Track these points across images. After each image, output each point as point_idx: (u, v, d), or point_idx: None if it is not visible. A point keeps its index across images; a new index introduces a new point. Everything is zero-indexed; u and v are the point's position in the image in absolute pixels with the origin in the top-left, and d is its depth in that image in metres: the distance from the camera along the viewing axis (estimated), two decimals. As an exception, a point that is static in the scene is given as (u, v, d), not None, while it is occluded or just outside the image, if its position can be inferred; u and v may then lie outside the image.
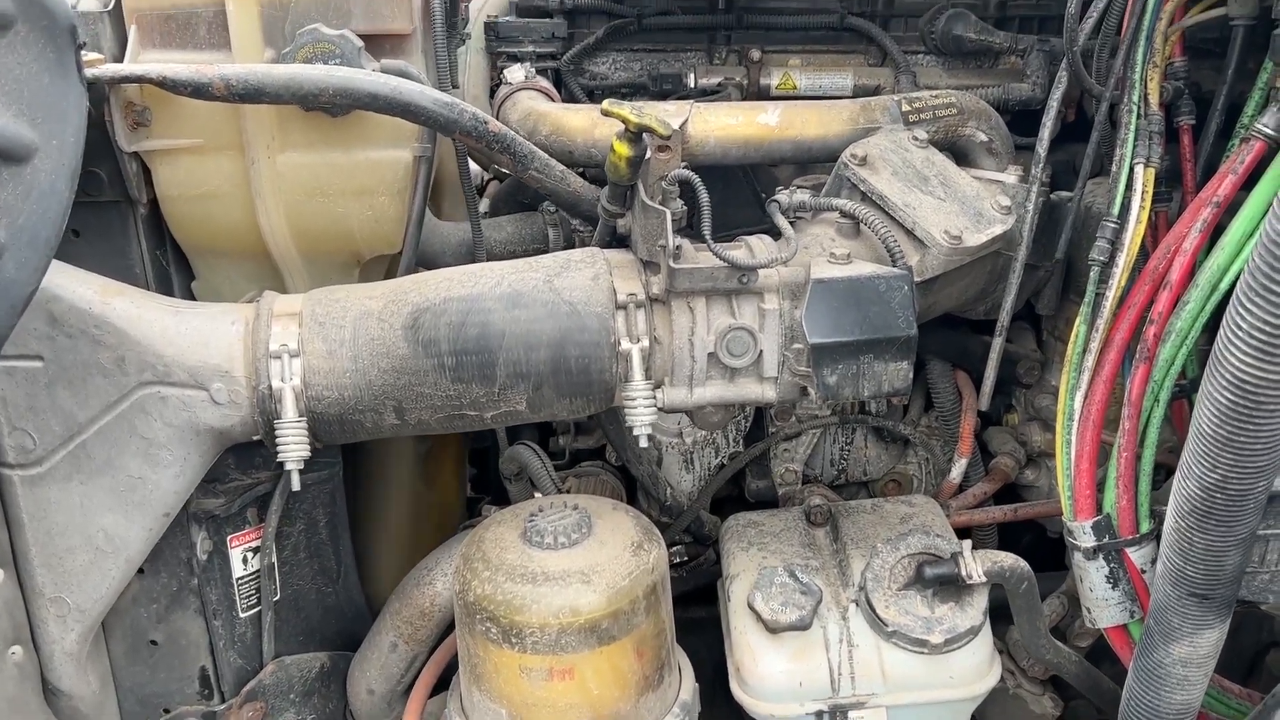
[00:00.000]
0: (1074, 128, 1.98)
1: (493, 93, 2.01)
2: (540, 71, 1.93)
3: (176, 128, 1.41)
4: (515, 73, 1.74)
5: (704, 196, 1.27)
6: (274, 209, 1.46)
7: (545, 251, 1.75)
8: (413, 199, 1.49)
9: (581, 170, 1.58)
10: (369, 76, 1.33)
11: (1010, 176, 1.60)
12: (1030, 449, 1.94)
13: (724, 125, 1.54)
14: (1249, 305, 0.94)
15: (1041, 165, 1.48)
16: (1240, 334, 0.96)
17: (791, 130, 1.54)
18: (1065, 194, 1.70)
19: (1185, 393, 1.47)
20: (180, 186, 1.45)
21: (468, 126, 1.38)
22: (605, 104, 1.24)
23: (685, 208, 1.31)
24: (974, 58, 1.97)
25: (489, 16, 1.92)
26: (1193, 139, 1.54)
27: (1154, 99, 1.42)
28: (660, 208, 1.27)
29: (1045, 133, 1.47)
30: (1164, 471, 1.48)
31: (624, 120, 1.23)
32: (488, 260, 1.64)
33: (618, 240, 1.46)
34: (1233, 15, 1.47)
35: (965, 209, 1.45)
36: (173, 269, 1.57)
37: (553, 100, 1.71)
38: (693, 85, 1.97)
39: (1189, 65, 1.52)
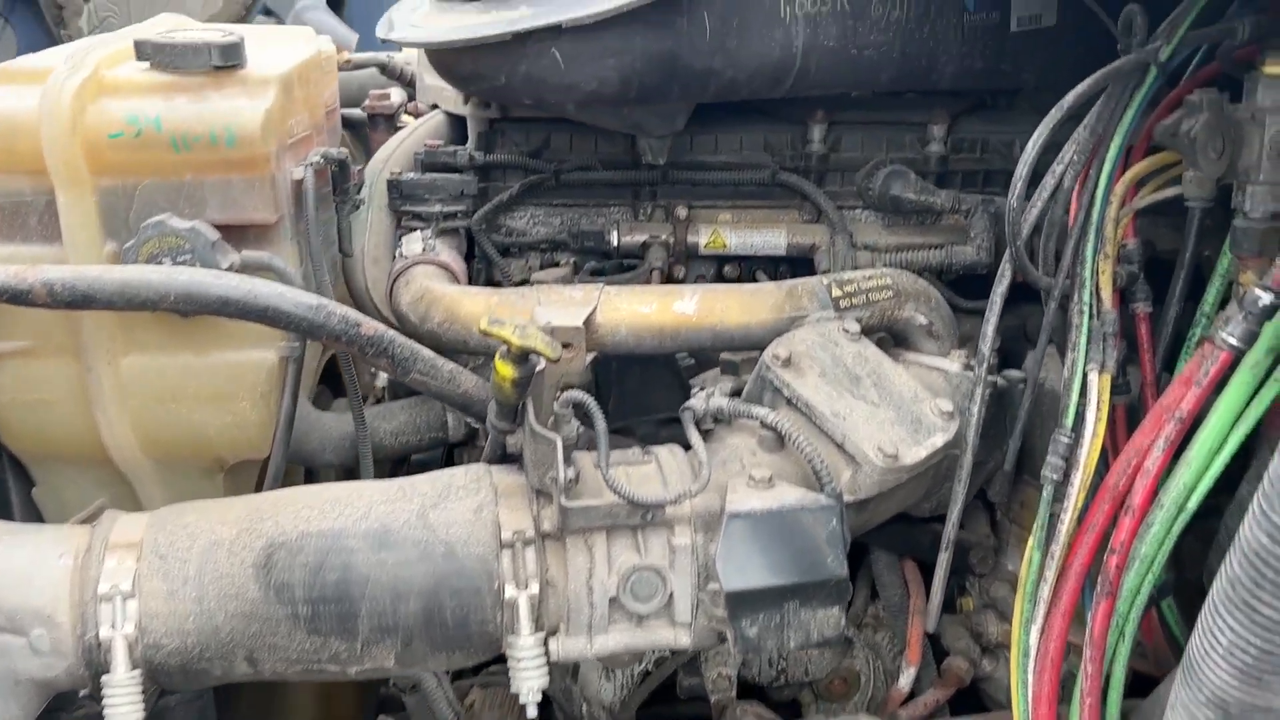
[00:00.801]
0: (1022, 286, 1.85)
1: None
2: (448, 231, 1.78)
3: (2, 329, 1.23)
4: (412, 243, 1.58)
5: (600, 424, 1.10)
6: (117, 418, 1.28)
7: (443, 442, 1.58)
8: (280, 401, 1.31)
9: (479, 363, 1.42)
10: (219, 279, 1.16)
11: (954, 364, 1.46)
12: (986, 640, 1.77)
13: (636, 313, 1.39)
14: (1228, 620, 0.79)
15: (985, 365, 1.33)
16: (1219, 650, 0.80)
17: (711, 319, 1.39)
18: (1014, 373, 1.55)
19: (1154, 601, 1.32)
20: (8, 392, 1.27)
21: (336, 330, 1.20)
22: (482, 324, 1.08)
23: (581, 430, 1.15)
24: (914, 214, 1.85)
25: (392, 173, 1.76)
26: (1150, 328, 1.41)
27: (1107, 295, 1.29)
28: (551, 435, 1.10)
29: (990, 329, 1.33)
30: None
31: (506, 342, 1.06)
32: (373, 457, 1.47)
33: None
34: (1189, 197, 1.34)
35: (902, 415, 1.29)
36: (9, 475, 1.37)
37: (453, 273, 1.54)
38: (615, 243, 1.82)
39: (1142, 245, 1.40)
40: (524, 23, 1.37)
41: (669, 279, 1.81)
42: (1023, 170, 1.24)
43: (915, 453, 1.25)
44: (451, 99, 1.87)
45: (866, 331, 1.43)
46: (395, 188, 1.75)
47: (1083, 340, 1.26)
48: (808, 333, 1.35)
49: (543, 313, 1.33)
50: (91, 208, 1.20)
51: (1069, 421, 1.25)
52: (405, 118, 2.23)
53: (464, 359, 1.50)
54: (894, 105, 1.82)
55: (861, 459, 1.22)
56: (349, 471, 1.48)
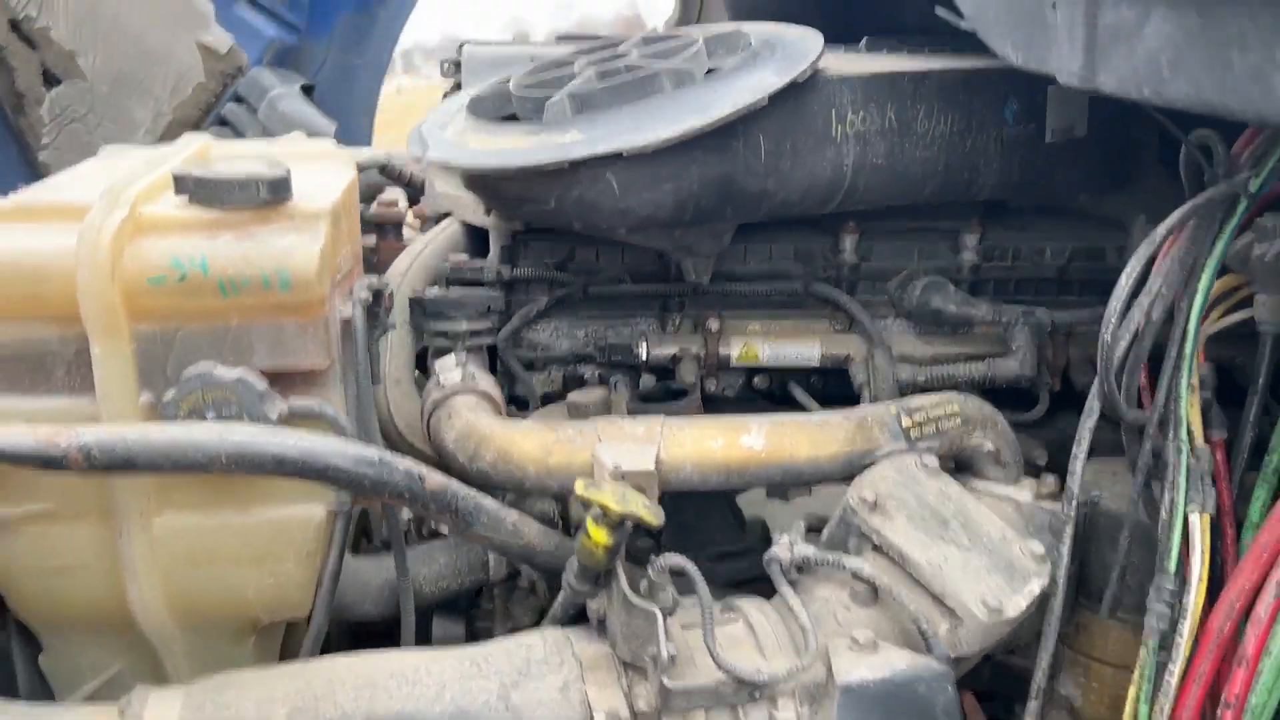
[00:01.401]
0: (1061, 397, 1.82)
1: (420, 366, 1.77)
2: (474, 349, 1.69)
3: (19, 491, 1.11)
4: (449, 371, 1.49)
5: (706, 596, 1.02)
6: (147, 582, 1.16)
7: (485, 582, 1.47)
8: (325, 559, 1.20)
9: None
10: (273, 438, 1.05)
11: (1024, 493, 1.40)
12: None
13: (702, 449, 1.31)
14: None
15: (1074, 504, 1.27)
16: None
17: (780, 454, 1.32)
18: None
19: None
20: (22, 560, 1.14)
21: (400, 488, 1.11)
22: (579, 487, 0.99)
23: (677, 600, 1.06)
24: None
25: (414, 290, 1.68)
26: (1225, 454, 1.37)
27: (1198, 433, 1.24)
28: (650, 607, 1.01)
29: (1078, 466, 1.27)
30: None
31: (605, 509, 0.98)
32: (415, 605, 1.36)
33: (582, 611, 1.19)
34: (1261, 320, 1.32)
35: (995, 561, 1.22)
36: (14, 641, 1.24)
37: (495, 403, 1.45)
38: (644, 357, 1.75)
39: (1213, 369, 1.36)
40: (580, 150, 1.30)
41: (702, 393, 1.74)
42: (1116, 305, 1.20)
43: (1016, 603, 1.18)
44: (469, 209, 1.79)
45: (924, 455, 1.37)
46: (418, 306, 1.66)
47: (1182, 480, 1.21)
48: (888, 470, 1.29)
49: (608, 453, 1.25)
50: (128, 357, 1.09)
51: (1171, 566, 1.20)
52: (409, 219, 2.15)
53: (500, 493, 1.41)
54: (925, 213, 1.79)
55: (964, 613, 1.15)
56: (388, 621, 1.37)
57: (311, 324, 1.13)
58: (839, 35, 2.27)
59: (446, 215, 2.02)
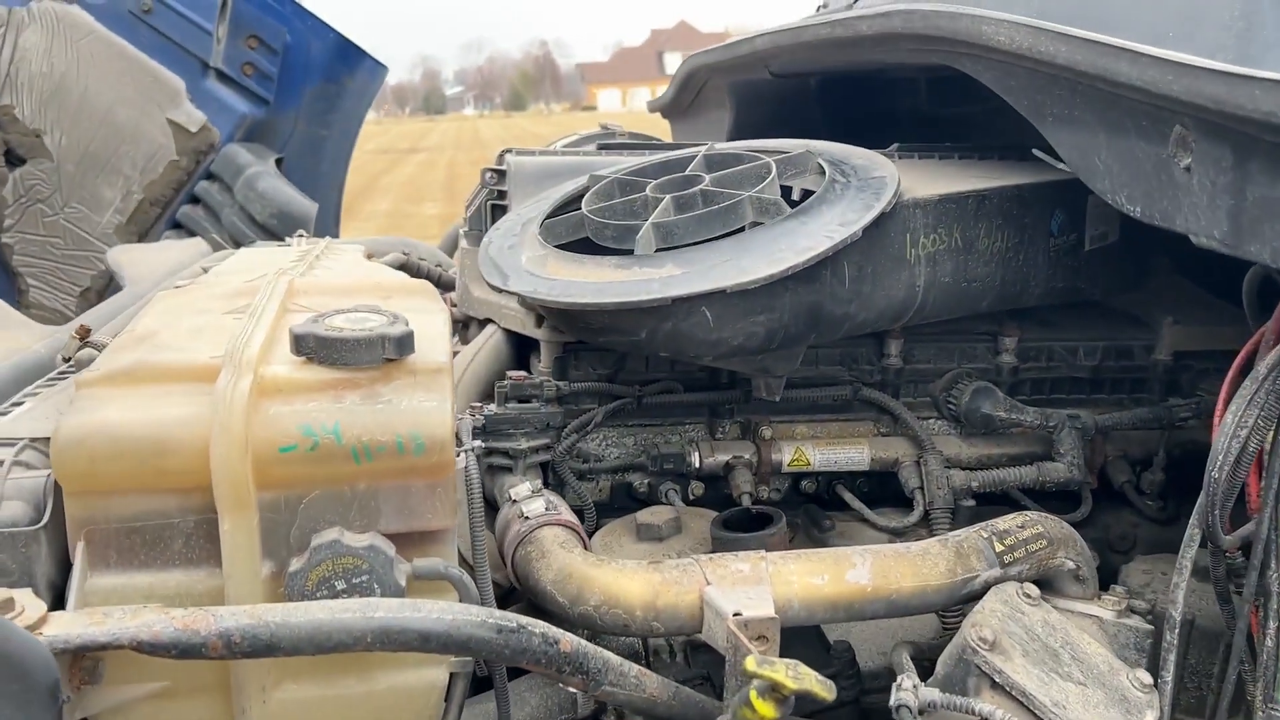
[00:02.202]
0: (1100, 495, 1.87)
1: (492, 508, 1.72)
2: (532, 466, 1.66)
3: (136, 672, 1.05)
4: (529, 500, 1.45)
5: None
6: (265, 759, 1.10)
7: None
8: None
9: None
10: (417, 613, 1.01)
11: (1106, 611, 1.42)
12: None
13: (809, 586, 1.30)
14: None
15: (1176, 630, 1.30)
16: None
17: (886, 588, 1.32)
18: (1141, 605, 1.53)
19: None
20: (134, 741, 1.08)
21: (538, 653, 1.08)
22: (750, 664, 0.97)
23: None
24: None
25: (471, 408, 1.64)
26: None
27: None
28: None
29: (1179, 595, 1.30)
30: None
31: (779, 685, 0.97)
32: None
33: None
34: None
35: (1110, 694, 1.24)
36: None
37: (580, 535, 1.43)
38: (697, 465, 1.75)
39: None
40: (682, 287, 1.30)
41: (755, 499, 1.74)
42: (1224, 443, 1.23)
43: (1138, 739, 1.20)
44: (515, 319, 1.77)
45: (1023, 583, 1.39)
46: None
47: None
48: (995, 604, 1.30)
49: (723, 599, 1.23)
50: (254, 528, 1.05)
51: (1280, 693, 1.23)
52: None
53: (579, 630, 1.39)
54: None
55: (1093, 753, 1.17)
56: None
57: (440, 484, 1.10)
58: (838, 122, 2.32)
59: (475, 318, 2.01)
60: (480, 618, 1.04)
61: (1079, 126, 1.18)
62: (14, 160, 3.10)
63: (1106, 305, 1.94)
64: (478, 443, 1.21)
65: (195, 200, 3.29)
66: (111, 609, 0.98)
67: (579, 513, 1.70)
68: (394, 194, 17.62)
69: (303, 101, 3.70)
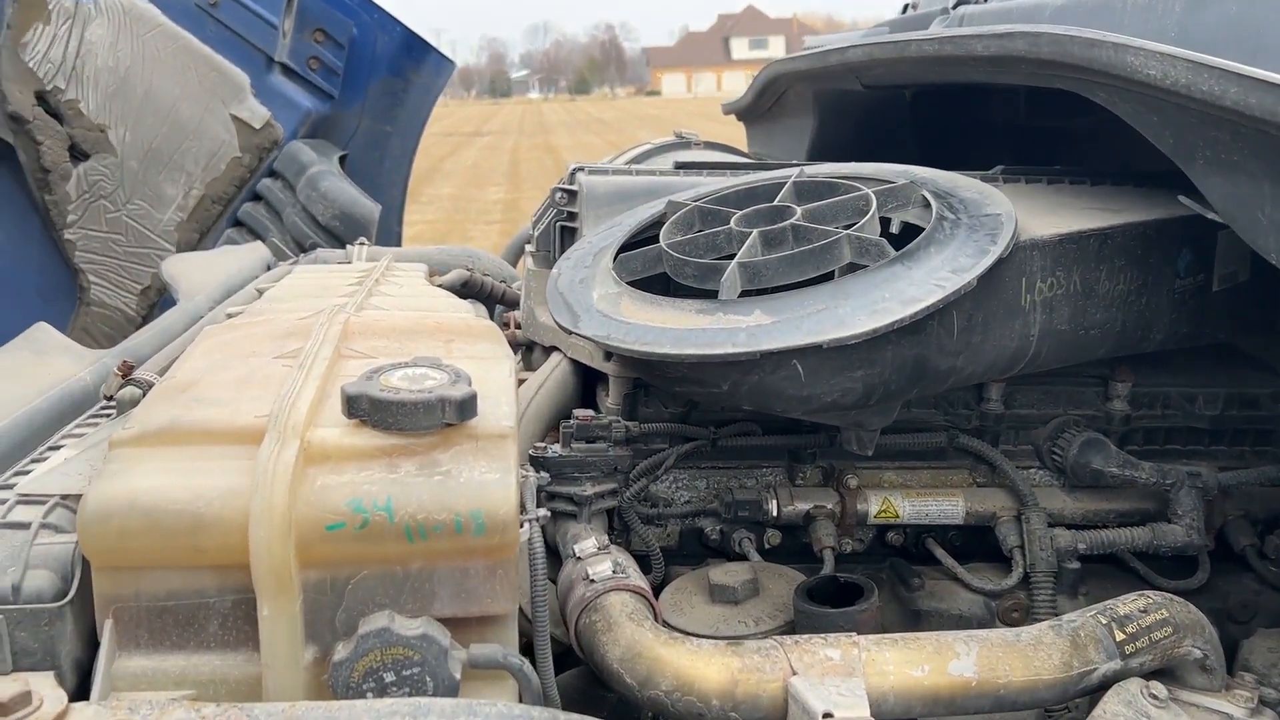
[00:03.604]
0: (1217, 557, 1.70)
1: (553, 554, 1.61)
2: (598, 513, 1.55)
3: (165, 765, 0.95)
4: (596, 559, 1.34)
5: None
6: None
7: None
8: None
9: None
10: (474, 718, 0.90)
11: (1238, 708, 1.27)
12: None
13: (908, 678, 1.17)
14: None
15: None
16: None
17: (993, 683, 1.18)
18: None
19: None
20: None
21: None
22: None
23: None
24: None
25: (534, 449, 1.53)
26: None
27: None
28: None
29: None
30: None
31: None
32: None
33: None
34: None
35: (1249, 815, 1.09)
36: None
37: (650, 603, 1.31)
38: (775, 513, 1.62)
39: None
40: (773, 340, 1.17)
41: (837, 553, 1.61)
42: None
43: None
44: (584, 351, 1.66)
45: (1147, 676, 1.24)
46: (540, 464, 1.52)
47: None
48: (1118, 707, 1.16)
49: (813, 695, 1.10)
50: (295, 612, 0.94)
51: None
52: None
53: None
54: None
55: None
56: None
57: (501, 565, 0.99)
58: (930, 134, 2.15)
59: (541, 345, 1.89)
60: (543, 721, 0.93)
61: (1239, 174, 1.03)
62: (78, 155, 3.06)
63: (1230, 349, 1.77)
64: (543, 511, 1.10)
65: (257, 198, 3.23)
66: (138, 702, 0.88)
67: (644, 559, 1.58)
68: (458, 178, 17.66)
69: (367, 97, 3.61)
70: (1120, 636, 1.24)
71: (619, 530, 1.62)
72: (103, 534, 0.92)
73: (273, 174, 3.23)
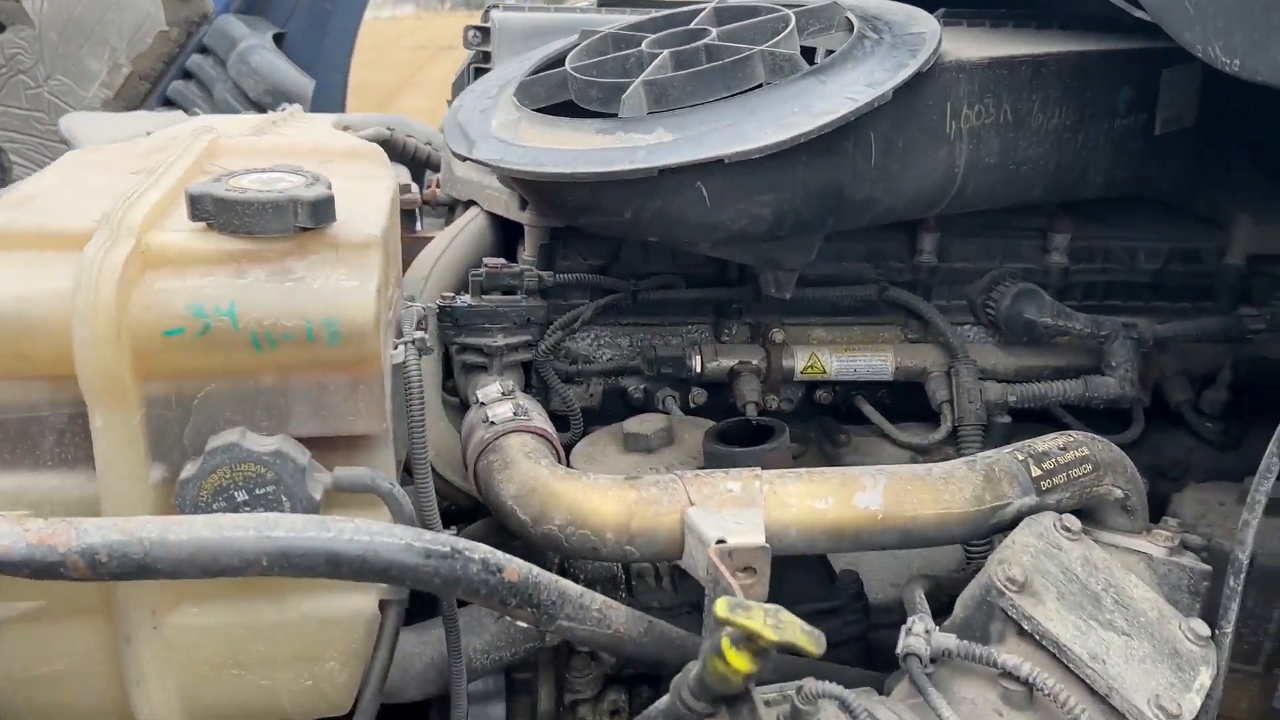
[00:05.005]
0: (1153, 414, 1.66)
1: (448, 385, 1.54)
2: (510, 365, 1.48)
3: (6, 589, 0.89)
4: (496, 403, 1.28)
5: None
6: (159, 692, 0.95)
7: (540, 650, 1.28)
8: (374, 658, 1.00)
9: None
10: (323, 532, 0.84)
11: (1158, 547, 1.23)
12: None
13: (810, 511, 1.11)
14: None
15: (1243, 574, 1.10)
16: None
17: (900, 515, 1.13)
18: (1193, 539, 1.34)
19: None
20: (9, 666, 0.93)
21: (476, 583, 0.91)
22: (721, 609, 0.79)
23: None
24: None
25: (441, 297, 1.46)
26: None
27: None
28: (794, 740, 0.82)
29: (1249, 535, 1.10)
30: None
31: (758, 636, 0.79)
32: (468, 681, 1.16)
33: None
34: None
35: (1159, 647, 1.05)
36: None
37: (552, 444, 1.25)
38: (699, 370, 1.56)
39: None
40: (671, 155, 1.09)
41: (761, 410, 1.55)
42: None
43: (1190, 701, 1.01)
44: (500, 202, 1.57)
45: (1063, 513, 1.20)
46: (449, 315, 1.44)
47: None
48: (1028, 538, 1.11)
49: (706, 523, 1.05)
50: (136, 424, 0.87)
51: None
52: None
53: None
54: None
55: (1136, 717, 0.98)
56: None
57: (364, 380, 0.92)
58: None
59: (461, 202, 1.80)
60: (405, 540, 0.87)
61: (1165, -42, 0.95)
62: (-8, 27, 2.91)
63: (1172, 202, 1.70)
64: (420, 333, 1.03)
65: (188, 75, 3.09)
66: (-39, 516, 0.82)
67: (563, 420, 1.52)
68: (431, 90, 17.22)
69: (306, -29, 3.45)
70: (1037, 472, 1.19)
71: (537, 388, 1.56)
72: (-81, 339, 0.84)
73: (203, 50, 3.08)
